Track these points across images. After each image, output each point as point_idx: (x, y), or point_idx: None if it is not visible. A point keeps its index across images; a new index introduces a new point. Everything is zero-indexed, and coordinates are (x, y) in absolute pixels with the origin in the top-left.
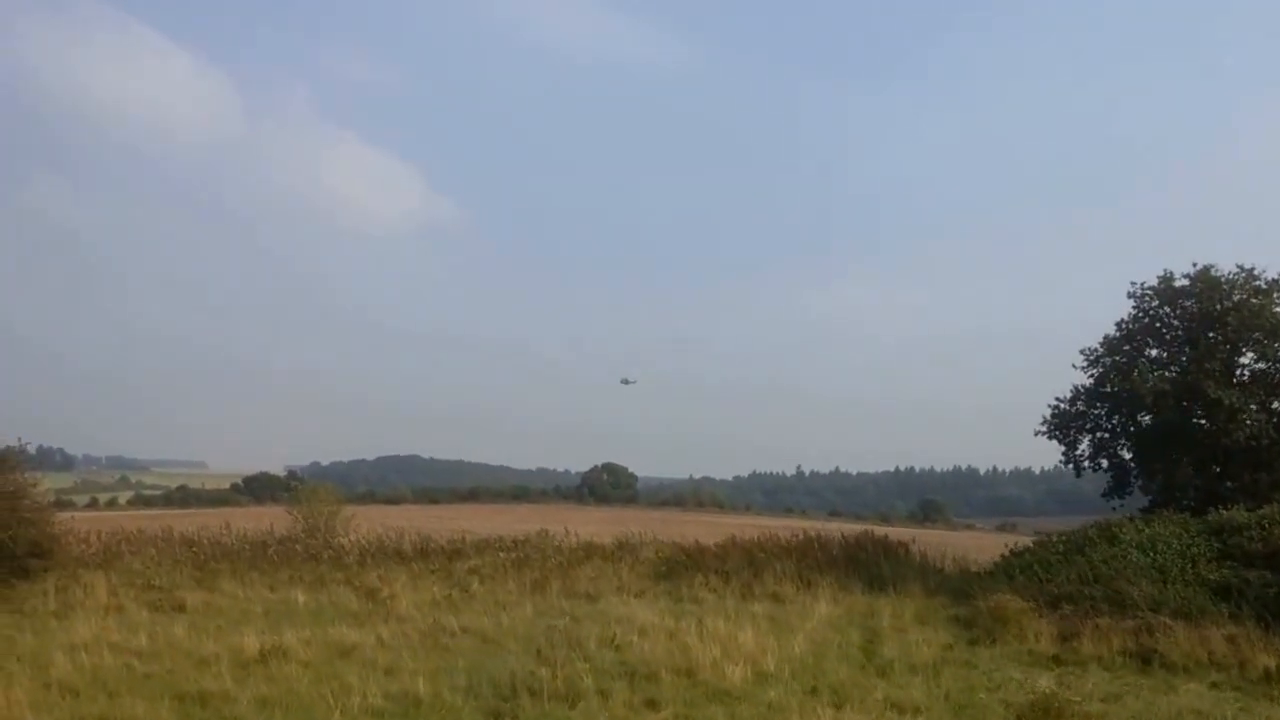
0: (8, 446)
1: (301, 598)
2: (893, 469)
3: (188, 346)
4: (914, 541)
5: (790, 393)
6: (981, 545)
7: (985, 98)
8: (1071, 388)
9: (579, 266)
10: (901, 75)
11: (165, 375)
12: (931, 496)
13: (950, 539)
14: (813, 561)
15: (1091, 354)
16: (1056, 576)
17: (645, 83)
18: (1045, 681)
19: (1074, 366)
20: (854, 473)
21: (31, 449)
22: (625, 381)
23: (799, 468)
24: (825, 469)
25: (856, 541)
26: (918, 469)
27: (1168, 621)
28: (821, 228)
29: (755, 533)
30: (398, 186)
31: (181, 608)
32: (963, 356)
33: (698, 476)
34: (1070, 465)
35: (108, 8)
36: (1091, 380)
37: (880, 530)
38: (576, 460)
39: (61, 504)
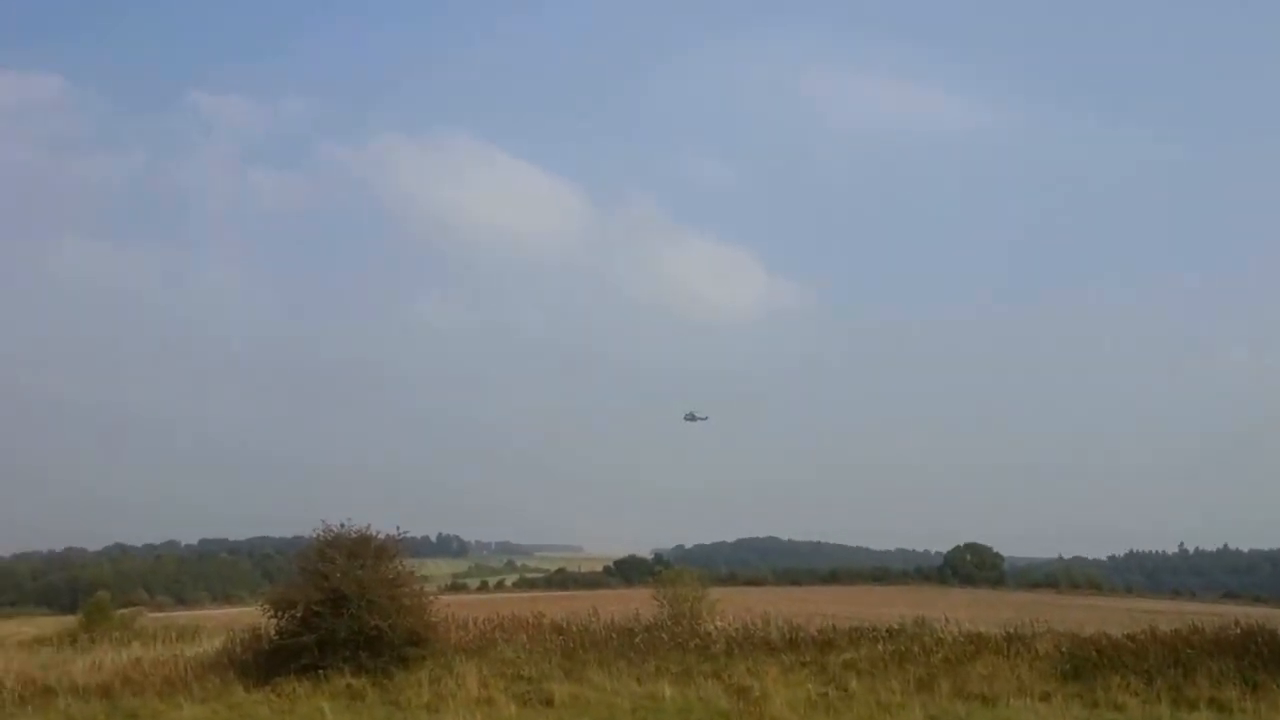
0: (388, 535)
1: (668, 692)
2: None
3: (567, 440)
4: None
5: (1169, 460)
6: None
7: None
8: None
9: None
10: None
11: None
12: None
13: None
14: (1255, 659)
15: None
16: None
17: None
18: None
19: None
20: (1245, 550)
21: (433, 538)
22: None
23: (1181, 545)
24: (1212, 546)
25: None
26: None
27: None
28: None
29: (1156, 619)
30: (741, 275)
31: (549, 701)
32: None
33: (1068, 556)
34: None
35: (468, 139)
36: None
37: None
38: (936, 540)
39: (456, 587)
